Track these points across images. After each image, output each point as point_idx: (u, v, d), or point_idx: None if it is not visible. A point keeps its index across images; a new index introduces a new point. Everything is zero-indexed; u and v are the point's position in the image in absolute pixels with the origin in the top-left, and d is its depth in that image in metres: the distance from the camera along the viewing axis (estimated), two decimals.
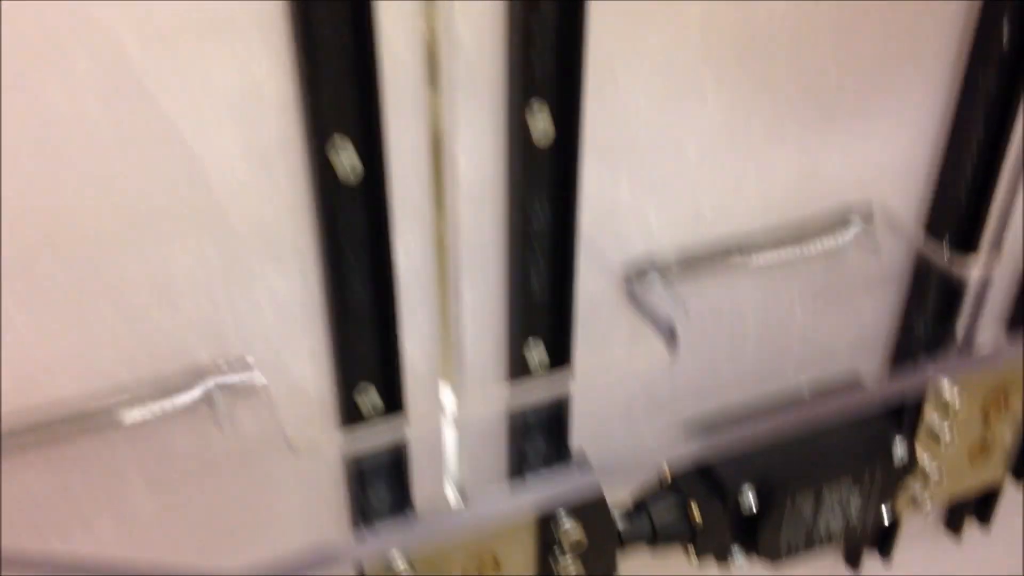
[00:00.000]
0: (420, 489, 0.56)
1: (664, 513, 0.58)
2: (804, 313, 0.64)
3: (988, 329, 0.70)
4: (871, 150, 0.60)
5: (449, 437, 0.54)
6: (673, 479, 0.58)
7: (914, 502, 0.66)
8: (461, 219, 0.49)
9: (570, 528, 0.54)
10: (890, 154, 0.60)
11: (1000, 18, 0.55)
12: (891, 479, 0.61)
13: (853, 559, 0.78)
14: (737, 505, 0.58)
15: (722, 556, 0.61)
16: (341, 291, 0.47)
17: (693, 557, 0.60)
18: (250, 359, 0.48)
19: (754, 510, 0.57)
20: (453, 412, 0.54)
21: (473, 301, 0.53)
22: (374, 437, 0.51)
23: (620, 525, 0.56)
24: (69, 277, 0.43)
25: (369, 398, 0.51)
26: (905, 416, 0.64)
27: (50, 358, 0.44)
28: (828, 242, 0.60)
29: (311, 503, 0.55)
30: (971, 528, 0.81)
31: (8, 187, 0.40)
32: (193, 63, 0.40)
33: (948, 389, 0.63)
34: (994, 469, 0.69)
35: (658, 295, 0.55)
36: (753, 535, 0.59)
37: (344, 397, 0.51)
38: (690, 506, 0.57)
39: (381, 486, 0.53)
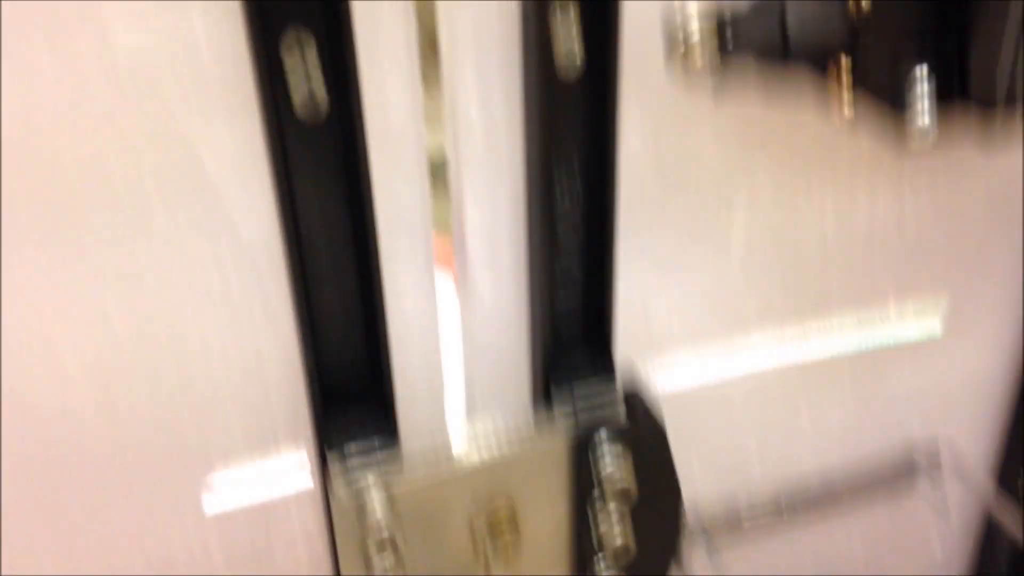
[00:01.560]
0: (408, 411, 0.44)
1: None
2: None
3: None
4: (937, 379, 0.56)
5: (449, 338, 0.44)
6: None
7: None
8: None
9: (615, 470, 0.41)
10: (959, 383, 0.56)
11: None
12: None
13: None
14: None
15: (893, 79, 0.37)
16: None
17: (843, 70, 0.37)
18: None
19: None
20: (455, 297, 0.43)
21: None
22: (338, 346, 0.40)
23: (725, 29, 0.35)
24: None
25: None
26: None
27: None
28: (888, 491, 0.54)
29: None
30: None
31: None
32: None
33: None
34: None
35: (702, 563, 0.50)
36: (954, 38, 0.37)
37: None
38: None
39: (355, 405, 0.41)
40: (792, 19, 0.36)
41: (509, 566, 0.42)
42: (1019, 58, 0.38)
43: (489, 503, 0.42)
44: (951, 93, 0.38)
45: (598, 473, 0.41)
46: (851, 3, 0.36)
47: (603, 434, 0.41)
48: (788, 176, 0.48)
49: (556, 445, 0.41)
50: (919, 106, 0.38)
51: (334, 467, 0.39)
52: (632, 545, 0.42)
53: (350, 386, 0.40)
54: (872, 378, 0.55)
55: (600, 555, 0.43)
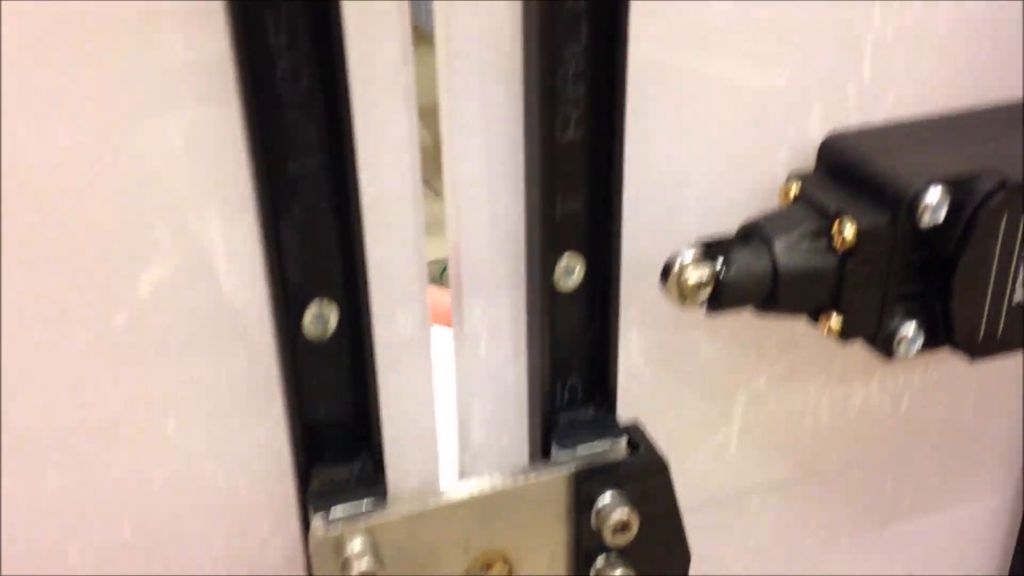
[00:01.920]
0: (397, 459, 0.41)
1: (792, 241, 0.37)
2: None
3: None
4: (931, 560, 0.57)
5: (443, 380, 0.43)
6: (803, 191, 0.39)
7: None
8: None
9: (619, 519, 0.38)
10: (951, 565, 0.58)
11: None
12: None
13: None
14: (913, 218, 0.36)
15: (880, 329, 0.38)
16: None
17: (833, 329, 0.38)
18: None
19: (940, 221, 0.36)
20: (451, 342, 0.41)
21: None
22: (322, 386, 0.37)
23: (715, 266, 0.37)
24: None
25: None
26: None
27: None
28: None
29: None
30: None
31: None
32: None
33: None
34: None
35: None
36: (937, 286, 0.38)
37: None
38: (837, 224, 0.37)
39: (335, 450, 0.38)
40: (783, 274, 0.38)
41: None
42: (1002, 310, 0.39)
43: (482, 548, 0.39)
44: (937, 340, 0.40)
45: (597, 513, 0.40)
46: (836, 240, 0.38)
47: (603, 473, 0.40)
48: (784, 374, 0.49)
49: (553, 483, 0.39)
50: (906, 353, 0.40)
51: (316, 521, 0.37)
52: None
53: (336, 447, 0.39)
54: None
55: None
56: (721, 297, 0.38)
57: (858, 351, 0.44)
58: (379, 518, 0.37)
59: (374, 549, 0.37)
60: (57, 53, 0.31)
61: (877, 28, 0.40)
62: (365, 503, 0.37)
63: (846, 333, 0.39)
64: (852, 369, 0.50)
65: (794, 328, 0.46)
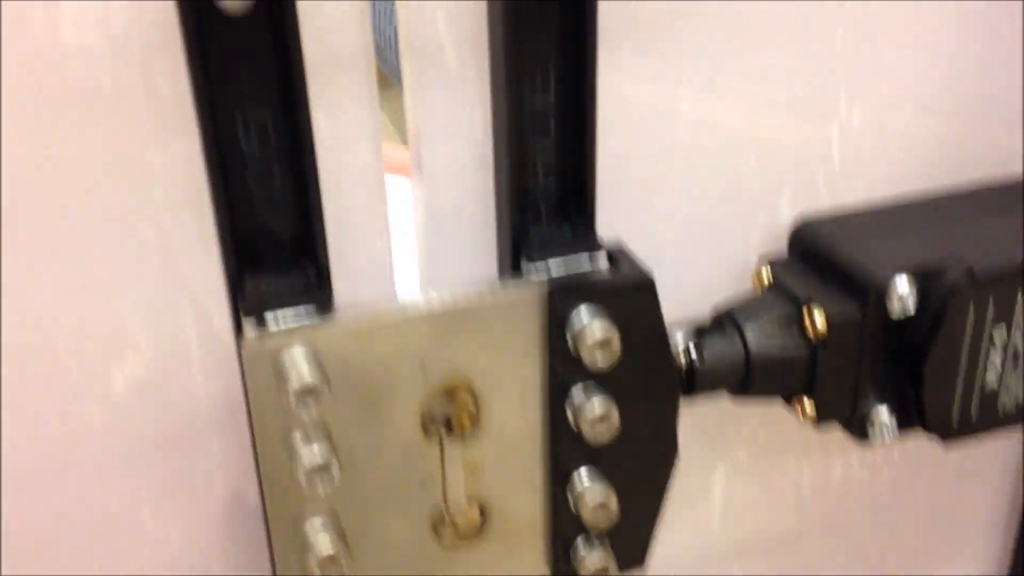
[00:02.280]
0: (345, 262, 0.36)
1: (764, 328, 0.37)
2: None
3: None
4: None
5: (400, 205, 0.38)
6: (775, 278, 0.39)
7: None
8: None
9: (599, 337, 0.33)
10: None
11: None
12: None
13: None
14: (883, 307, 0.37)
15: (854, 414, 0.39)
16: None
17: (808, 414, 0.38)
18: None
19: (911, 311, 0.37)
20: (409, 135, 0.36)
21: None
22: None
23: (689, 353, 0.37)
24: None
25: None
26: None
27: None
28: None
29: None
30: None
31: None
32: None
33: None
34: None
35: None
36: (908, 373, 0.38)
37: None
38: (807, 313, 0.37)
39: (274, 259, 0.33)
40: (756, 362, 0.38)
41: (468, 452, 0.35)
42: (973, 395, 0.40)
43: (443, 373, 0.34)
44: (911, 423, 0.40)
45: (574, 331, 0.34)
46: (808, 328, 0.38)
47: (581, 288, 0.34)
48: (764, 447, 0.49)
49: (523, 299, 0.34)
50: (881, 439, 0.40)
51: (249, 329, 0.31)
52: (614, 418, 0.35)
53: (275, 256, 0.33)
54: None
55: (577, 437, 0.35)
56: (695, 384, 0.38)
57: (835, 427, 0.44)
58: (322, 327, 0.31)
59: (316, 362, 0.31)
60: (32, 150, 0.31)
61: (843, 115, 0.41)
62: (306, 311, 0.32)
63: (820, 418, 0.39)
64: (832, 442, 0.50)
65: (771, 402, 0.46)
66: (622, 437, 0.35)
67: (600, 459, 0.37)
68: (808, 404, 0.39)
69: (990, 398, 0.40)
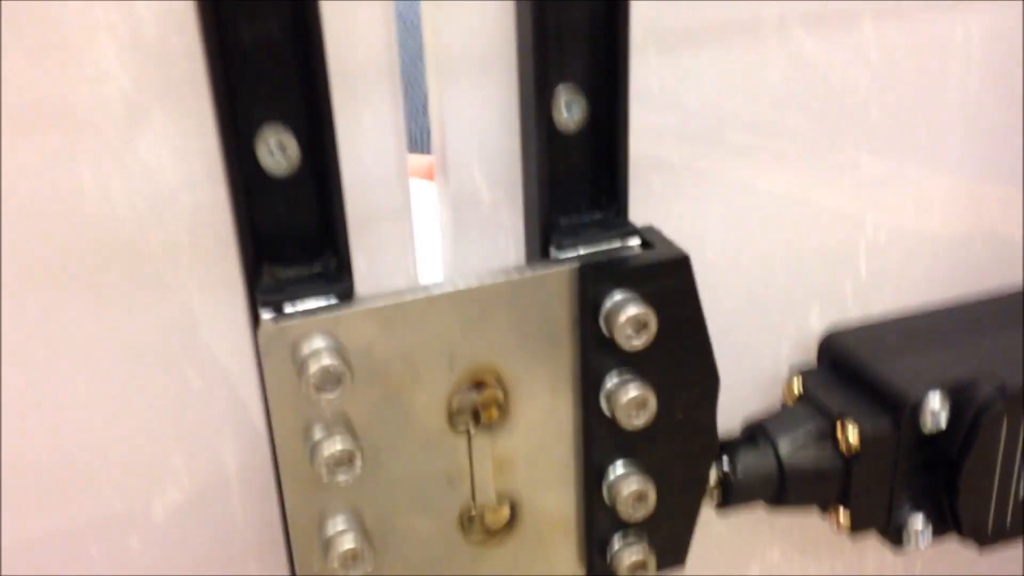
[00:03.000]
0: (368, 259, 0.34)
1: (797, 441, 0.38)
2: None
3: None
4: None
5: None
6: (806, 390, 0.39)
7: None
8: None
9: (633, 315, 0.31)
10: None
11: None
12: None
13: None
14: (916, 423, 0.37)
15: (889, 523, 0.39)
16: None
17: (843, 524, 0.39)
18: None
19: (943, 426, 0.37)
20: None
21: None
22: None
23: (722, 467, 0.37)
24: None
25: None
26: None
27: None
28: None
29: None
30: None
31: None
32: None
33: None
34: None
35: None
36: (943, 484, 0.39)
37: None
38: (841, 427, 0.38)
39: (296, 247, 0.31)
40: (790, 475, 0.39)
41: (497, 445, 0.33)
42: (1008, 504, 0.40)
43: (470, 363, 0.31)
44: (945, 529, 0.40)
45: (607, 314, 0.32)
46: (841, 442, 0.38)
47: (613, 270, 0.32)
48: (798, 546, 0.49)
49: (552, 280, 0.32)
50: (916, 546, 0.40)
51: (266, 315, 0.30)
52: (651, 404, 0.33)
53: (294, 242, 0.32)
54: None
55: (612, 427, 0.33)
56: (730, 498, 0.39)
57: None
58: (342, 312, 0.30)
59: (337, 349, 0.29)
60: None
61: (869, 234, 0.42)
62: (326, 299, 0.30)
63: (855, 527, 0.40)
64: (865, 539, 0.50)
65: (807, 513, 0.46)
66: (659, 426, 0.34)
67: (636, 449, 0.35)
68: (843, 514, 0.39)
69: None
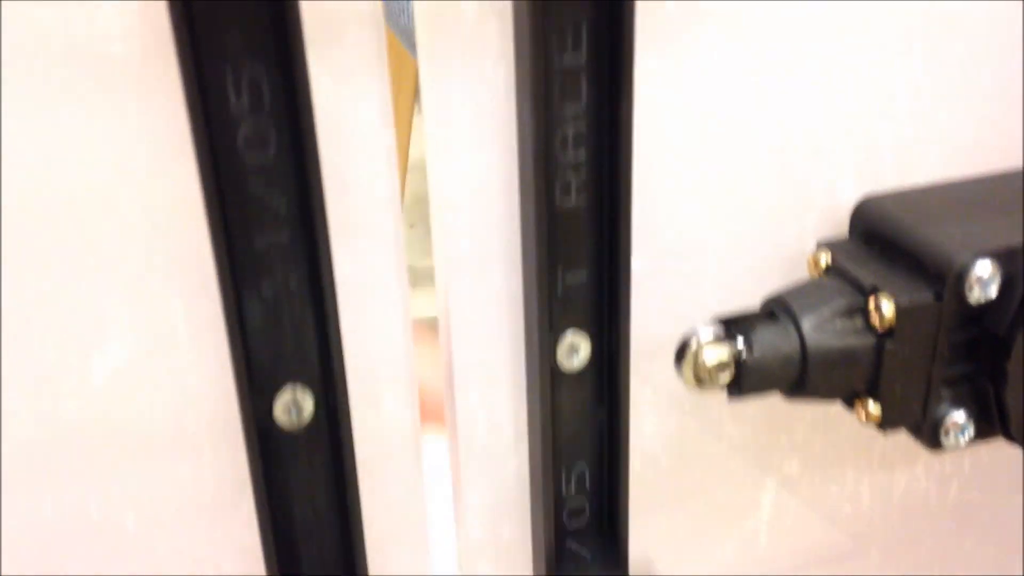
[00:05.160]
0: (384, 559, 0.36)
1: (823, 318, 0.33)
2: None
3: None
4: None
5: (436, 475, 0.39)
6: (835, 262, 0.35)
7: None
8: None
9: None
10: None
11: None
12: None
13: None
14: (961, 294, 0.32)
15: (925, 418, 0.34)
16: None
17: (872, 415, 0.34)
18: None
19: (994, 292, 0.32)
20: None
21: None
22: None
23: (736, 345, 0.33)
24: None
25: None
26: None
27: None
28: None
29: None
30: None
31: None
32: None
33: None
34: None
35: None
36: (989, 370, 0.34)
37: None
38: (874, 300, 0.33)
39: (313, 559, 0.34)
40: (813, 356, 0.34)
41: None
42: None
43: None
44: (991, 429, 0.35)
45: None
46: (874, 318, 0.33)
47: None
48: (819, 458, 0.45)
49: None
50: (956, 445, 0.35)
51: None
52: None
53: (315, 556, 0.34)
54: None
55: None
56: (743, 381, 0.34)
57: (901, 432, 0.39)
58: None
59: None
60: None
61: (916, 75, 0.36)
62: None
63: (886, 422, 0.35)
64: (895, 452, 0.45)
65: (829, 407, 0.41)
66: None
67: None
68: (873, 406, 0.34)
69: None
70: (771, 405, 0.40)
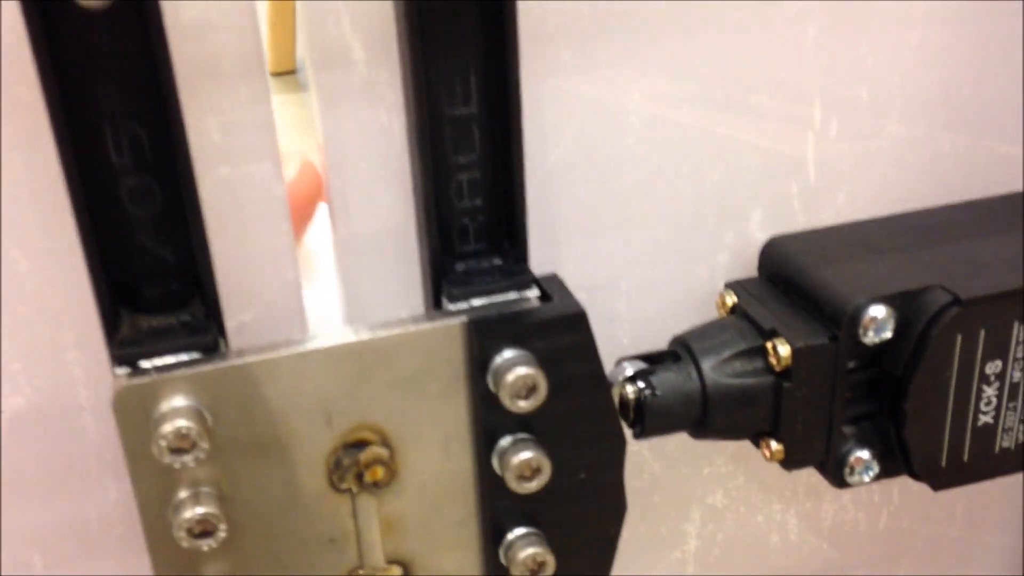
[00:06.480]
0: (250, 296, 0.33)
1: (723, 359, 0.33)
2: None
3: None
4: None
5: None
6: (738, 303, 0.35)
7: None
8: None
9: (519, 380, 0.29)
10: None
11: None
12: None
13: None
14: (855, 337, 0.32)
15: (829, 457, 0.34)
16: None
17: (774, 454, 0.34)
18: None
19: (888, 336, 0.32)
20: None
21: None
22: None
23: (638, 386, 0.33)
24: None
25: None
26: None
27: None
28: None
29: None
30: None
31: None
32: None
33: None
34: None
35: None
36: (889, 410, 0.34)
37: None
38: (770, 347, 0.33)
39: (158, 291, 0.29)
40: (712, 396, 0.34)
41: (385, 506, 0.31)
42: (965, 435, 0.35)
43: (350, 421, 0.30)
44: (897, 468, 0.36)
45: (494, 373, 0.30)
46: (772, 358, 0.34)
47: (503, 326, 0.30)
48: (743, 489, 0.45)
49: (437, 337, 0.30)
50: (859, 483, 0.35)
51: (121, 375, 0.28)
52: (544, 468, 0.31)
53: (155, 284, 0.29)
54: None
55: (505, 485, 0.31)
56: (647, 421, 0.34)
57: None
58: (205, 370, 0.28)
59: (195, 412, 0.28)
60: None
61: (818, 123, 0.37)
62: (188, 353, 0.28)
63: (790, 461, 0.35)
64: (821, 482, 0.46)
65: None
66: (560, 487, 0.32)
67: (536, 511, 0.32)
68: (776, 445, 0.35)
69: (986, 437, 0.35)
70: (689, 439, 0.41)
